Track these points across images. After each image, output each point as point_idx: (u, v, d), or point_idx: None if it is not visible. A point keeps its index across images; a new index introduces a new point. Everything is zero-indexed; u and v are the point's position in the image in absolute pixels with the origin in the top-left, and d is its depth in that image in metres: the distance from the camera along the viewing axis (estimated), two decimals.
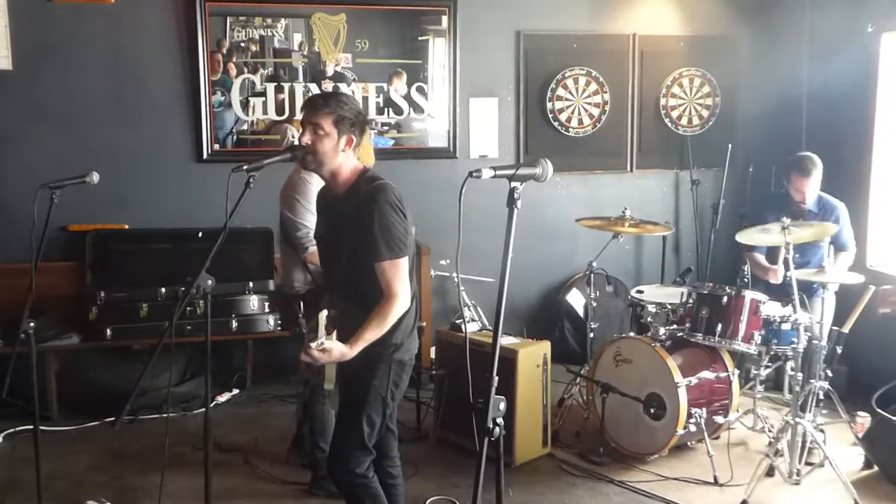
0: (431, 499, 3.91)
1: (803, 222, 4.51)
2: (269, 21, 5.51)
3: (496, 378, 1.82)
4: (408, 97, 5.76)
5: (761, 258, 4.85)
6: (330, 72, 5.61)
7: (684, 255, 6.42)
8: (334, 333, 2.75)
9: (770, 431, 4.48)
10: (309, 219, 3.65)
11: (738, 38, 6.17)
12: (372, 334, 2.76)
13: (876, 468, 4.24)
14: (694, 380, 4.24)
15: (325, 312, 2.73)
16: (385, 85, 5.71)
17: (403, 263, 2.81)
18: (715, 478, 4.10)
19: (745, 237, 4.47)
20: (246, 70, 5.51)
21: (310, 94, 3.11)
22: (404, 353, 2.94)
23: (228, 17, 5.44)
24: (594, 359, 4.59)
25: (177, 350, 3.96)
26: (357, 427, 2.90)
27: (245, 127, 5.55)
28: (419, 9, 5.73)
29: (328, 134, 2.81)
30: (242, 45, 5.48)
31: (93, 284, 5.17)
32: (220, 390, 5.33)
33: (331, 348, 2.69)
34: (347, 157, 2.89)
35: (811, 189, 4.67)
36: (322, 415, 3.88)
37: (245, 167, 2.92)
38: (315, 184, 3.64)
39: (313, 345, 2.68)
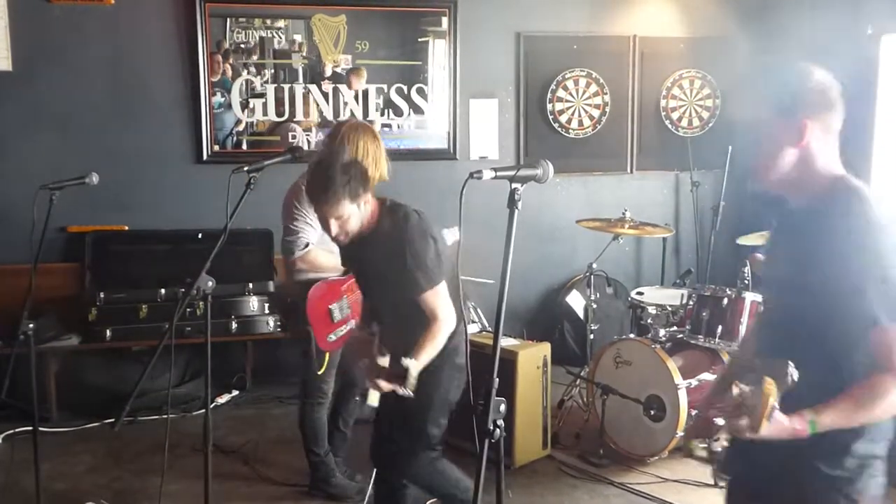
0: (431, 500, 3.90)
1: None
2: (269, 22, 5.51)
3: (497, 380, 1.82)
4: (407, 98, 5.77)
5: (763, 258, 4.86)
6: (329, 73, 5.61)
7: (684, 256, 6.42)
8: (387, 357, 2.76)
9: None
10: (300, 226, 3.61)
11: (737, 40, 6.16)
12: (427, 356, 2.79)
13: None
14: (694, 382, 4.24)
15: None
16: (385, 86, 5.72)
17: (442, 288, 2.85)
18: (715, 480, 4.10)
19: (747, 241, 4.48)
20: (246, 71, 5.51)
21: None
22: (462, 357, 2.99)
23: (228, 19, 5.44)
24: (594, 360, 4.58)
25: (176, 351, 3.96)
26: (424, 435, 2.98)
27: (242, 128, 5.55)
28: (419, 10, 5.73)
29: (350, 215, 2.82)
30: (242, 46, 5.48)
31: (92, 285, 5.17)
32: (219, 392, 5.32)
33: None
34: (367, 207, 2.88)
35: None
36: (314, 422, 3.89)
37: (246, 168, 2.93)
38: None
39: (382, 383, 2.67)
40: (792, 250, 1.97)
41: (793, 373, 1.68)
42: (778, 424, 1.73)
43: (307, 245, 3.62)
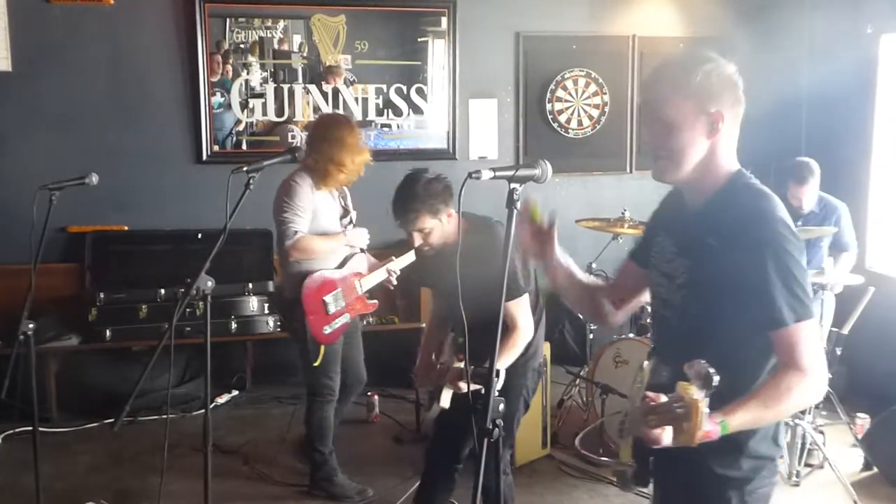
0: None
1: (803, 227, 4.53)
2: (268, 22, 5.51)
3: (496, 379, 1.82)
4: (406, 98, 5.77)
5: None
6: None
7: None
8: (462, 362, 2.87)
9: None
10: (292, 217, 3.69)
11: (737, 40, 6.14)
12: (506, 362, 2.90)
13: (875, 469, 4.24)
14: None
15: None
16: (385, 86, 5.72)
17: (524, 299, 3.01)
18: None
19: None
20: (245, 71, 5.51)
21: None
22: (537, 361, 3.17)
23: (228, 19, 5.44)
24: (594, 360, 4.58)
25: (176, 351, 3.97)
26: (512, 435, 3.15)
27: (242, 128, 5.55)
28: (419, 10, 5.73)
29: (433, 228, 2.96)
30: (242, 46, 5.48)
31: (92, 286, 5.17)
32: (219, 392, 5.32)
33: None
34: (452, 221, 3.02)
35: (808, 196, 4.68)
36: (322, 420, 3.91)
37: (245, 168, 2.93)
38: (304, 186, 3.74)
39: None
40: (693, 248, 1.91)
41: (715, 376, 1.64)
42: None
43: (296, 232, 3.68)
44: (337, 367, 3.90)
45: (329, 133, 3.77)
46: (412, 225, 2.95)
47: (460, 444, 3.11)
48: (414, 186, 2.95)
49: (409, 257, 3.93)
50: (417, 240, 2.98)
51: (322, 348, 3.78)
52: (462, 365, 2.86)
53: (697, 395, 1.56)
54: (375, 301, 4.08)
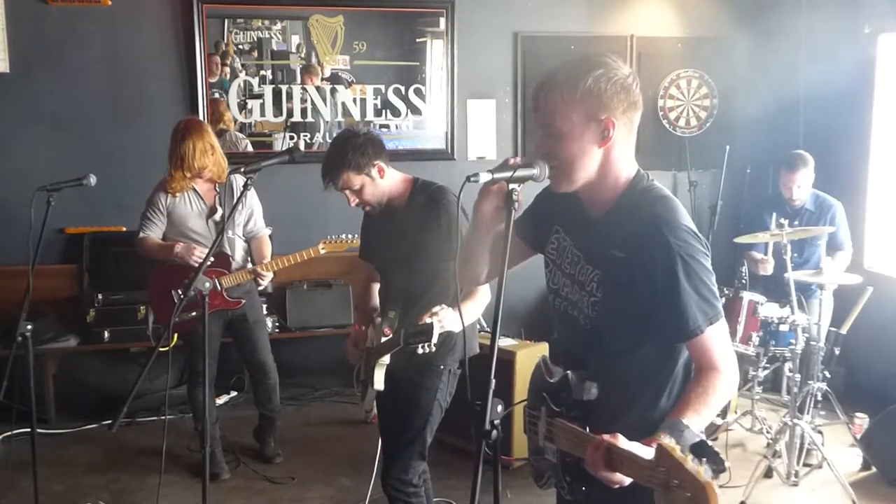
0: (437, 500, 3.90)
1: (800, 227, 4.53)
2: (266, 23, 5.51)
3: (493, 381, 1.82)
4: (405, 99, 5.77)
5: (757, 254, 4.85)
6: (327, 73, 5.61)
7: None
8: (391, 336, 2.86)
9: (768, 433, 4.48)
10: (143, 222, 4.03)
11: (735, 40, 6.17)
12: (469, 312, 2.81)
13: (874, 469, 4.24)
14: None
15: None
16: (383, 87, 5.72)
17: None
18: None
19: (744, 240, 4.49)
20: (243, 72, 5.50)
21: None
22: (453, 361, 3.00)
23: (226, 20, 5.43)
24: None
25: (174, 353, 4.00)
26: (422, 438, 2.97)
27: (240, 129, 5.55)
28: (417, 11, 5.72)
29: (363, 185, 2.88)
30: (240, 47, 5.48)
31: (90, 287, 5.17)
32: (217, 393, 5.31)
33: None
34: (390, 178, 2.95)
35: (799, 185, 4.68)
36: (192, 400, 4.15)
37: (242, 169, 2.93)
38: (156, 194, 4.05)
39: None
40: (599, 258, 1.86)
41: (593, 389, 1.67)
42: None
43: (140, 236, 4.01)
44: (203, 355, 4.00)
45: (173, 138, 4.01)
46: (336, 185, 2.87)
47: (416, 423, 2.97)
48: (334, 146, 2.91)
49: (287, 261, 4.08)
50: (352, 199, 2.92)
51: (175, 336, 3.98)
52: (390, 335, 2.83)
53: (707, 474, 1.37)
54: (240, 299, 4.14)
